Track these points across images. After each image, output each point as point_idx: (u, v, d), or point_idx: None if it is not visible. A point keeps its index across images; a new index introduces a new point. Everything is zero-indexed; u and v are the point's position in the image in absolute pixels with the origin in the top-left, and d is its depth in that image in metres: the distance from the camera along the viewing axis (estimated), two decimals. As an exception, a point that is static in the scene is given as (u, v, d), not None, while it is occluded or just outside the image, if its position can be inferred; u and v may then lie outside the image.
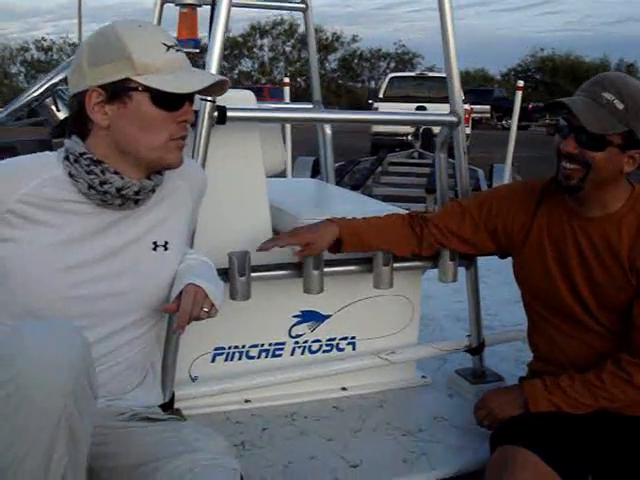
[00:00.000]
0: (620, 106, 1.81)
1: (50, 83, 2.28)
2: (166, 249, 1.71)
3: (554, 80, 42.76)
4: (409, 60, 42.04)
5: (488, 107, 26.91)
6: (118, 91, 1.51)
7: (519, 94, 8.40)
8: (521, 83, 8.58)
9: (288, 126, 6.21)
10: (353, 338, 2.47)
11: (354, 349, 2.48)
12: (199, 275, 1.71)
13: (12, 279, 1.54)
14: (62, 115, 2.39)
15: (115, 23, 1.56)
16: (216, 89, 1.64)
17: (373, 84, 39.01)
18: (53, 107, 2.36)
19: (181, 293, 1.64)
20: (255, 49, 35.51)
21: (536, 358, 2.21)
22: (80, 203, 1.57)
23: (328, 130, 3.30)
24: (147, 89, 1.50)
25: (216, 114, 2.00)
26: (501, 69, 50.55)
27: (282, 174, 3.16)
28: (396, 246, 2.23)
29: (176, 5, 2.98)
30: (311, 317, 2.40)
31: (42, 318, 1.55)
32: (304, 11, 3.26)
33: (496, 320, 3.28)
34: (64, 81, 2.33)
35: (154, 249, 1.69)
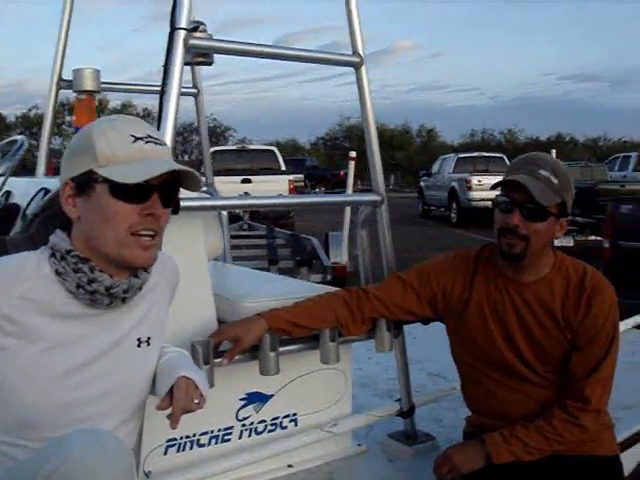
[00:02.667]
0: (555, 180, 2.08)
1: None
2: (148, 344, 1.71)
3: (362, 147, 44.62)
4: (221, 133, 42.68)
5: (302, 176, 27.99)
6: (83, 183, 1.51)
7: (352, 164, 8.72)
8: (353, 154, 8.92)
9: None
10: (295, 415, 2.51)
11: (296, 425, 2.52)
12: (184, 367, 1.72)
13: (5, 390, 1.48)
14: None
15: (96, 121, 1.58)
16: (189, 183, 1.61)
17: (187, 157, 39.12)
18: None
19: (171, 388, 1.64)
20: (64, 126, 34.36)
21: (476, 412, 2.38)
22: (69, 304, 1.54)
23: (224, 212, 3.36)
24: (105, 180, 1.48)
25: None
26: (310, 138, 52.48)
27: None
28: (333, 326, 2.32)
29: (73, 92, 2.94)
30: (256, 398, 2.42)
31: (38, 428, 1.50)
32: (196, 96, 3.34)
33: (397, 384, 3.43)
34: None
35: (138, 346, 1.68)
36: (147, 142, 1.52)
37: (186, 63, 2.13)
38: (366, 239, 2.67)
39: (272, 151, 18.17)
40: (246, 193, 14.84)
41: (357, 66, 2.48)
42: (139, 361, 1.68)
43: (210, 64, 2.26)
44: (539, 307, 2.18)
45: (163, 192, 1.53)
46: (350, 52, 2.49)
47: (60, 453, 1.27)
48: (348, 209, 8.41)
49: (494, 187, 2.18)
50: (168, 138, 2.04)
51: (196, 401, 1.66)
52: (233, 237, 10.74)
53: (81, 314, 1.55)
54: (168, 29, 2.06)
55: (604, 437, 2.23)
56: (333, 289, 2.46)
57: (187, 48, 2.07)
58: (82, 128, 1.59)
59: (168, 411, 1.62)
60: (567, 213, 2.16)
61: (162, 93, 2.07)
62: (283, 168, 17.44)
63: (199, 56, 2.21)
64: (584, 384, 2.12)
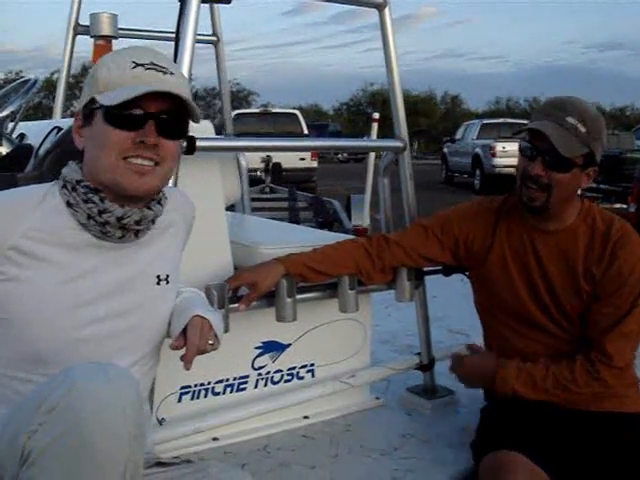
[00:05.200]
0: (583, 129, 1.97)
1: (-1, 117, 2.12)
2: (167, 282, 1.65)
3: (385, 114, 44.36)
4: (244, 97, 42.44)
5: (325, 141, 27.87)
6: (88, 112, 1.48)
7: (375, 125, 8.54)
8: (376, 115, 8.72)
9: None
10: (312, 365, 2.47)
11: (313, 376, 2.47)
12: (199, 306, 1.67)
13: (14, 323, 1.43)
14: (4, 150, 2.23)
15: None
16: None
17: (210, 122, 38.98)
18: (-6, 142, 2.19)
19: (186, 327, 1.59)
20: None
21: None
22: (80, 236, 1.49)
23: (243, 162, 3.30)
24: (101, 106, 1.44)
25: (185, 144, 1.95)
26: (333, 104, 52.08)
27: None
28: (353, 273, 2.27)
29: (91, 37, 2.88)
30: (272, 347, 2.38)
31: (49, 364, 1.46)
32: (215, 44, 3.26)
33: (417, 340, 3.38)
34: (9, 116, 2.18)
35: (157, 283, 1.63)
36: (148, 68, 1.45)
37: (203, 1, 2.05)
38: (387, 187, 2.59)
39: (295, 115, 18.02)
40: (268, 156, 14.80)
41: (380, 7, 2.39)
42: (158, 299, 1.63)
43: (228, 2, 2.17)
44: (561, 257, 2.10)
45: (160, 121, 1.46)
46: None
47: (63, 385, 1.23)
48: (371, 172, 8.27)
49: (517, 133, 2.08)
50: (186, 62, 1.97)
51: (210, 342, 1.60)
52: (255, 200, 10.73)
53: (94, 246, 1.50)
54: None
55: (629, 394, 2.15)
56: (351, 238, 2.40)
57: (204, -18, 1.99)
58: None
59: (182, 355, 1.57)
60: (595, 162, 2.05)
61: (177, 35, 1.99)
62: (305, 132, 17.31)
63: None
64: (607, 338, 2.03)
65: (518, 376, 2.08)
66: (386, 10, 2.39)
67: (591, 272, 2.06)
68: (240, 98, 41.29)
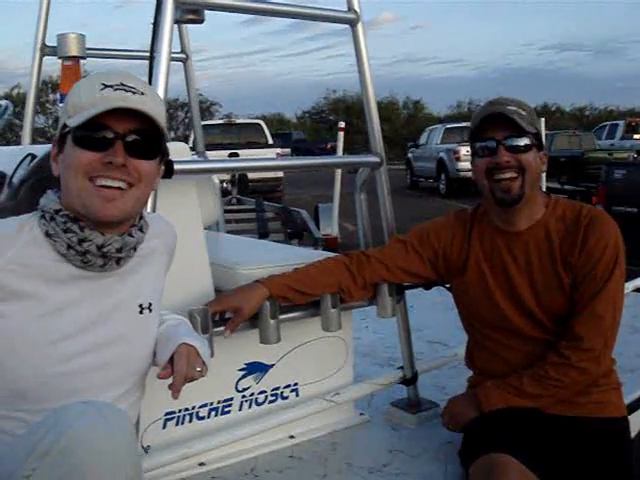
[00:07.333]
0: (524, 112, 2.07)
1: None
2: (150, 311, 1.64)
3: (348, 120, 44.35)
4: (207, 108, 42.18)
5: (289, 150, 27.93)
6: (61, 138, 1.48)
7: (341, 134, 8.56)
8: (342, 124, 8.77)
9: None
10: (296, 385, 2.45)
11: (297, 395, 2.45)
12: (185, 334, 1.66)
13: None
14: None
15: None
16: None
17: (172, 134, 38.69)
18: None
19: (172, 355, 1.58)
20: (48, 104, 33.73)
21: (477, 374, 2.33)
22: (61, 268, 1.47)
23: (216, 180, 3.27)
24: (70, 129, 1.44)
25: (162, 167, 1.93)
26: (296, 112, 52.08)
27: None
28: (335, 292, 2.26)
29: (59, 58, 2.84)
30: (256, 368, 2.35)
31: (33, 399, 1.44)
32: (184, 61, 3.24)
33: (397, 352, 3.38)
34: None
35: (140, 312, 1.61)
36: (116, 89, 1.45)
37: (176, 21, 2.04)
38: (364, 203, 2.58)
39: (259, 124, 18.01)
40: (234, 167, 14.73)
41: (353, 23, 2.39)
42: (141, 328, 1.61)
43: (201, 22, 2.16)
44: (538, 253, 2.12)
45: (129, 141, 1.44)
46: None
47: (57, 428, 1.20)
48: (338, 181, 8.28)
49: (475, 133, 2.11)
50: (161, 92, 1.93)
51: (198, 369, 1.60)
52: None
53: (75, 277, 1.48)
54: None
55: (611, 398, 2.17)
56: (331, 255, 2.39)
57: (177, 4, 1.97)
58: None
59: (168, 381, 1.55)
60: (543, 145, 2.14)
61: (151, 55, 1.97)
62: (270, 141, 17.30)
63: (189, 13, 2.11)
64: (577, 321, 2.05)
65: (497, 386, 2.10)
66: (359, 25, 2.39)
67: (568, 261, 2.09)
68: (203, 109, 41.05)
